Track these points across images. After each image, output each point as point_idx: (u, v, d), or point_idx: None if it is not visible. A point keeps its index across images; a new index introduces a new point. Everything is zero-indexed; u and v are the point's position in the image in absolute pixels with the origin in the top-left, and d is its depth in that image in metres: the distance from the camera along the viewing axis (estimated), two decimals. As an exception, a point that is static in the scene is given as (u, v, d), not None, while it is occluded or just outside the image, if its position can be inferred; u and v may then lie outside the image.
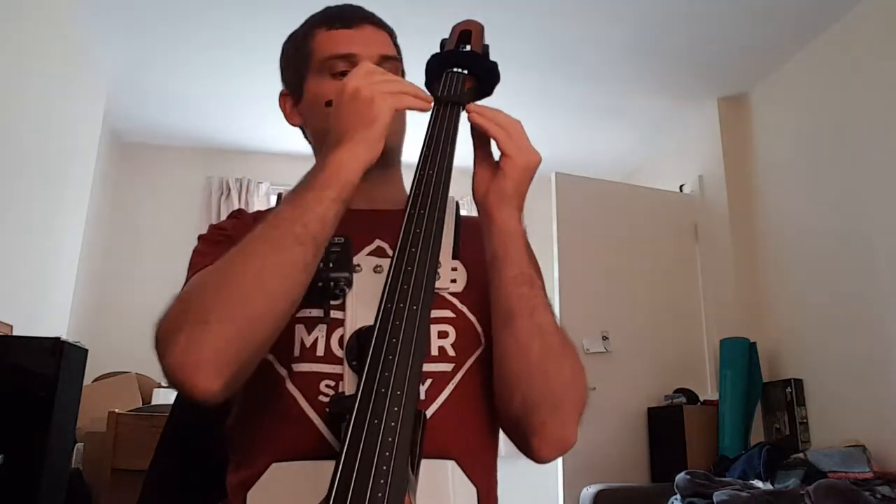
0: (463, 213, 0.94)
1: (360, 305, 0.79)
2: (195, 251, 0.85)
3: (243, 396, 0.79)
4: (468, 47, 0.87)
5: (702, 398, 3.66)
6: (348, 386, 0.75)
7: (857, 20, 3.19)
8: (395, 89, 0.75)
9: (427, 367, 0.77)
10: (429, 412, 0.75)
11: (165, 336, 0.67)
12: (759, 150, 3.86)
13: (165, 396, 2.93)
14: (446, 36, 0.91)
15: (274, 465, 0.74)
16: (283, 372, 0.77)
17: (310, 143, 0.96)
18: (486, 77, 0.86)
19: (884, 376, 2.86)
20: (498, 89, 0.87)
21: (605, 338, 3.72)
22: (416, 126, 0.84)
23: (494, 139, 0.78)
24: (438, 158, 0.76)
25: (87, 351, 2.25)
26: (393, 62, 0.91)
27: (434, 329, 0.80)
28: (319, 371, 0.77)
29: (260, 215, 0.91)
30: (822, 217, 3.31)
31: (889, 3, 3.01)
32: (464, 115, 0.81)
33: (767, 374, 3.48)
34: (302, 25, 0.96)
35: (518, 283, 0.77)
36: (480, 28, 0.90)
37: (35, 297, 3.12)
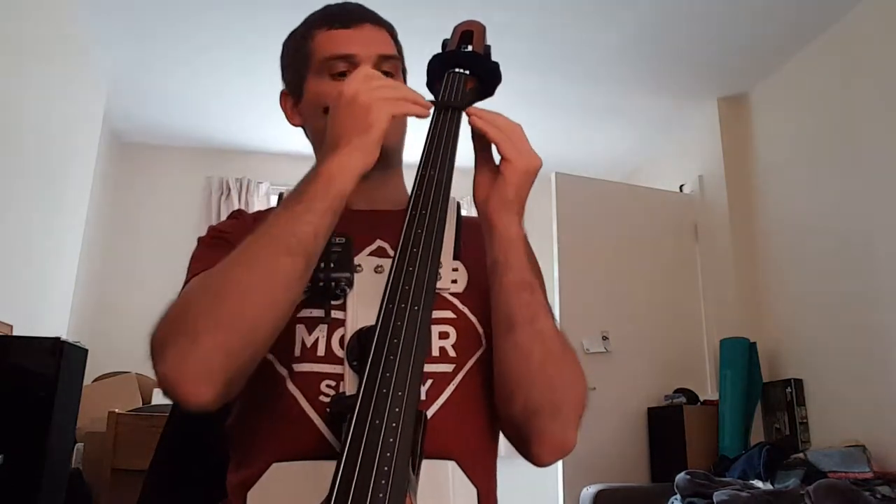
0: (464, 213, 0.94)
1: (361, 306, 0.79)
2: (193, 255, 0.86)
3: (244, 396, 0.79)
4: (470, 48, 0.87)
5: (702, 398, 3.66)
6: (349, 386, 0.75)
7: (857, 20, 3.19)
8: (393, 95, 0.74)
9: (428, 368, 0.77)
10: (429, 412, 0.75)
11: (158, 346, 0.68)
12: (759, 150, 3.86)
13: (165, 396, 2.93)
14: (447, 36, 0.90)
15: (274, 465, 0.74)
16: (284, 372, 0.77)
17: (311, 142, 0.96)
18: (487, 78, 0.86)
19: (884, 376, 2.86)
20: (498, 89, 0.87)
21: (605, 338, 3.72)
22: (417, 129, 0.84)
23: (494, 143, 0.78)
24: (440, 159, 0.76)
25: (87, 351, 2.25)
26: (393, 61, 0.91)
27: (435, 330, 0.80)
28: (320, 371, 0.77)
29: (260, 216, 0.92)
30: (822, 217, 3.31)
31: (889, 3, 3.01)
32: (464, 118, 0.81)
33: (767, 374, 3.48)
34: (302, 24, 0.95)
35: (519, 290, 0.77)
36: (482, 28, 0.90)
37: (35, 297, 3.12)
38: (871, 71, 3.09)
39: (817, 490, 2.40)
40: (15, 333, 2.57)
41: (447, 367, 0.79)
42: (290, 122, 0.97)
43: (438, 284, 0.80)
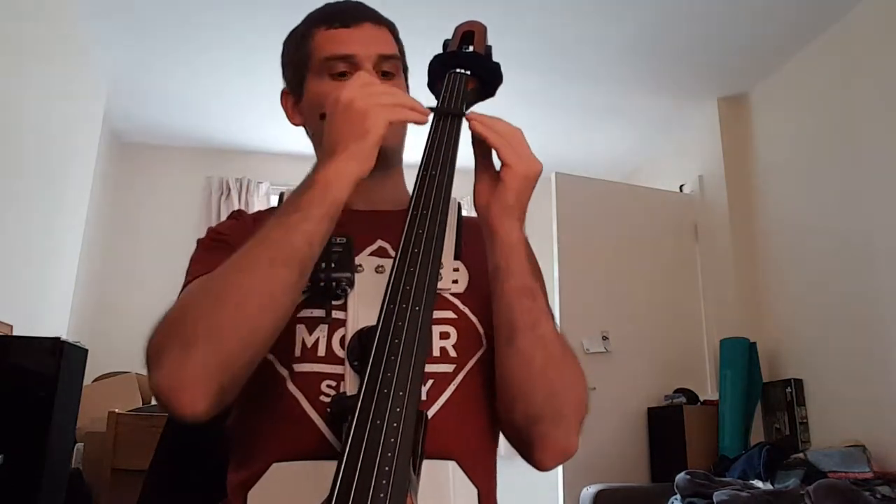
0: (464, 213, 0.94)
1: (362, 306, 0.79)
2: (192, 258, 0.86)
3: (244, 396, 0.79)
4: (471, 48, 0.87)
5: (702, 398, 3.66)
6: (350, 386, 0.75)
7: (857, 20, 3.19)
8: (390, 101, 0.74)
9: (429, 368, 0.77)
10: (430, 413, 0.75)
11: (153, 355, 0.69)
12: (759, 150, 3.86)
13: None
14: (448, 36, 0.90)
15: (275, 466, 0.74)
16: (285, 372, 0.77)
17: (312, 142, 0.96)
18: (488, 78, 0.86)
19: (884, 376, 2.86)
20: (498, 90, 0.87)
21: (605, 338, 3.72)
22: (418, 132, 0.83)
23: (495, 148, 0.78)
24: (441, 160, 0.76)
25: (87, 351, 2.25)
26: (393, 61, 0.91)
27: (436, 330, 0.80)
28: (321, 371, 0.77)
29: (260, 216, 0.92)
30: (821, 217, 3.31)
31: (889, 3, 3.01)
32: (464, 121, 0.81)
33: (767, 374, 3.48)
34: (302, 22, 0.95)
35: (520, 296, 0.76)
36: (483, 29, 0.90)
37: (35, 297, 3.12)
38: (871, 71, 3.09)
39: (817, 490, 2.40)
40: (15, 333, 2.57)
41: (448, 368, 0.79)
42: (290, 121, 0.97)
43: (439, 285, 0.80)
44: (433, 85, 0.86)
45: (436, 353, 0.79)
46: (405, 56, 0.96)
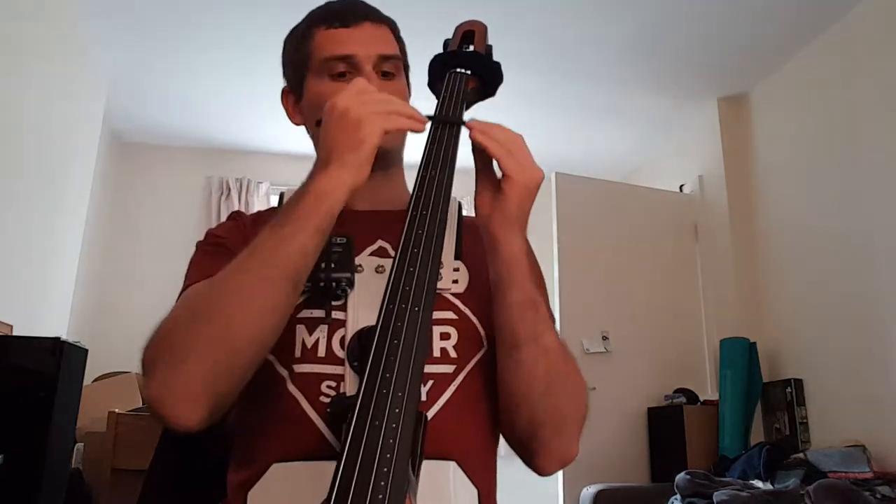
0: (465, 213, 0.93)
1: (362, 306, 0.79)
2: (191, 261, 0.85)
3: (244, 397, 0.79)
4: (472, 48, 0.87)
5: (702, 398, 3.66)
6: (350, 387, 0.75)
7: (857, 20, 3.18)
8: (386, 109, 0.73)
9: (429, 369, 0.77)
10: (430, 413, 0.75)
11: (147, 366, 0.69)
12: (759, 150, 3.85)
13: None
14: (449, 36, 0.90)
15: (275, 466, 0.74)
16: (285, 373, 0.77)
17: (312, 141, 0.96)
18: (489, 78, 0.86)
19: (884, 376, 2.86)
20: (498, 89, 0.86)
21: (605, 338, 3.72)
22: (418, 136, 0.83)
23: (495, 158, 0.76)
24: (440, 161, 0.76)
25: (87, 351, 2.25)
26: (394, 61, 0.90)
27: (436, 330, 0.80)
28: (321, 372, 0.76)
29: (259, 217, 0.91)
30: (821, 217, 3.31)
31: (889, 3, 3.01)
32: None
33: (767, 374, 3.48)
34: (303, 21, 0.94)
35: (523, 309, 0.76)
36: (484, 28, 0.90)
37: (35, 297, 3.12)
38: (871, 71, 3.09)
39: (817, 490, 2.40)
40: (15, 333, 2.57)
41: (448, 368, 0.79)
42: (291, 120, 0.96)
43: (439, 285, 0.80)
44: (433, 84, 0.86)
45: (436, 353, 0.79)
46: (406, 54, 0.95)
